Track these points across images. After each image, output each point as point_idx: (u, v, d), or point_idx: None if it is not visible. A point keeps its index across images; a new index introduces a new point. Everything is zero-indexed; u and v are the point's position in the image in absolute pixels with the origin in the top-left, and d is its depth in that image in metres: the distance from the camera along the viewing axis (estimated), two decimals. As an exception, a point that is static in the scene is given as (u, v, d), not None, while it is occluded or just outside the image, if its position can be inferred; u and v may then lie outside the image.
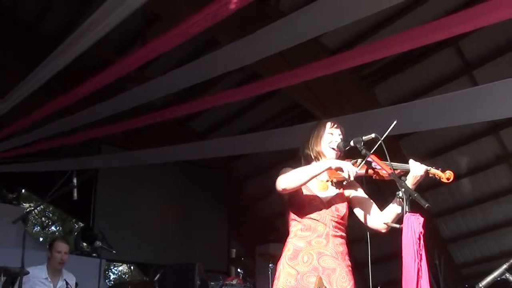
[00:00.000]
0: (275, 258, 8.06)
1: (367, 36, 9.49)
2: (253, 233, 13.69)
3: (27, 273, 5.97)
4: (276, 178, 3.50)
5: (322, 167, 3.42)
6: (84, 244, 10.53)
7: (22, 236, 9.41)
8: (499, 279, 3.86)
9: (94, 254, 10.24)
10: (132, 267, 23.22)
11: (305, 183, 3.43)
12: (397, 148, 10.62)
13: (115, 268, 24.98)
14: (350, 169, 3.32)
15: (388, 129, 3.36)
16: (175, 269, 7.61)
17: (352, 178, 3.33)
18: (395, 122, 3.39)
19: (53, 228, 24.52)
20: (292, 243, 3.55)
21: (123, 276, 24.91)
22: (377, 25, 9.33)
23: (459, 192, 11.23)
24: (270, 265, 8.03)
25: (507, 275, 3.85)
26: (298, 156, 3.72)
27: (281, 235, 12.67)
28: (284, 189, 3.43)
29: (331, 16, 6.99)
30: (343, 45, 9.74)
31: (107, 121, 10.09)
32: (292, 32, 7.22)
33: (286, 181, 3.41)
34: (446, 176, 3.31)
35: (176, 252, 12.53)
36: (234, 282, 7.67)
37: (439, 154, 10.86)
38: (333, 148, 3.58)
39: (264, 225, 13.49)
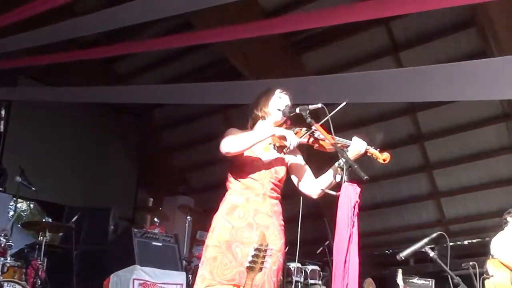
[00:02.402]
0: (193, 212, 8.19)
1: (303, 3, 9.49)
2: (162, 183, 13.62)
3: None
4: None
5: (266, 134, 3.57)
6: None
7: None
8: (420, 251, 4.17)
9: (0, 189, 9.96)
10: (31, 205, 22.64)
11: (248, 148, 3.58)
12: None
13: (12, 205, 24.19)
14: (292, 138, 3.48)
15: (339, 106, 3.56)
16: (90, 212, 7.55)
17: (292, 148, 3.49)
18: (346, 101, 3.58)
19: None
20: (230, 199, 3.68)
21: (22, 214, 24.26)
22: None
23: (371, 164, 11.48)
24: (188, 217, 8.13)
25: (427, 249, 4.15)
26: (246, 116, 3.88)
27: (190, 189, 12.70)
28: (227, 153, 3.55)
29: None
30: (279, 8, 9.71)
31: (28, 52, 9.72)
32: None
33: (231, 145, 3.55)
34: (383, 157, 3.51)
35: (85, 194, 12.23)
36: (156, 231, 7.70)
37: (357, 127, 10.89)
38: (278, 110, 3.73)
39: (174, 177, 13.45)
